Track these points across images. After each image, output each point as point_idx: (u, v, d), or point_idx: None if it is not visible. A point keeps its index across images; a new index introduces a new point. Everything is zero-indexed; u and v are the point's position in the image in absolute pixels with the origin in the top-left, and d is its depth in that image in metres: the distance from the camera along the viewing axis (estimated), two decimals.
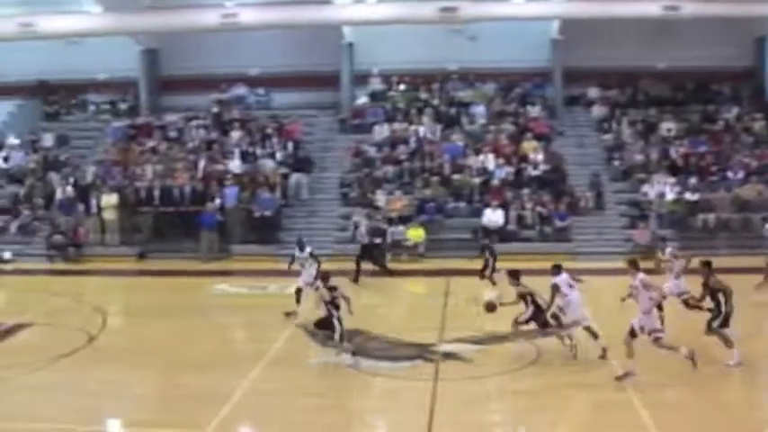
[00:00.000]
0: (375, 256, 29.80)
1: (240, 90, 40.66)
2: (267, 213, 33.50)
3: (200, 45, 40.02)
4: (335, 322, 19.22)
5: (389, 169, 35.85)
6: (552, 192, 34.09)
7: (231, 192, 33.94)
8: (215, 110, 39.45)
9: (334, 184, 36.19)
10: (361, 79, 40.99)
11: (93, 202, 34.50)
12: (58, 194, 35.46)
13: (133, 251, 33.36)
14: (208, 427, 15.65)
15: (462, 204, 34.37)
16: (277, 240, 33.11)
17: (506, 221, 32.96)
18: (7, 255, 33.35)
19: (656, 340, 17.27)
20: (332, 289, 19.67)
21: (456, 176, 35.19)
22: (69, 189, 35.36)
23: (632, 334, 17.24)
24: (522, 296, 19.23)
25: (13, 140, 39.93)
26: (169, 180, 34.76)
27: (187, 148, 37.30)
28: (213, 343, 21.48)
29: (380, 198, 34.19)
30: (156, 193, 34.18)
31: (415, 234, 32.62)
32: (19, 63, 40.87)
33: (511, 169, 35.23)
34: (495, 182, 34.68)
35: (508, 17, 37.24)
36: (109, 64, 40.59)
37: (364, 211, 33.03)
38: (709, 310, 18.35)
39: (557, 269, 19.02)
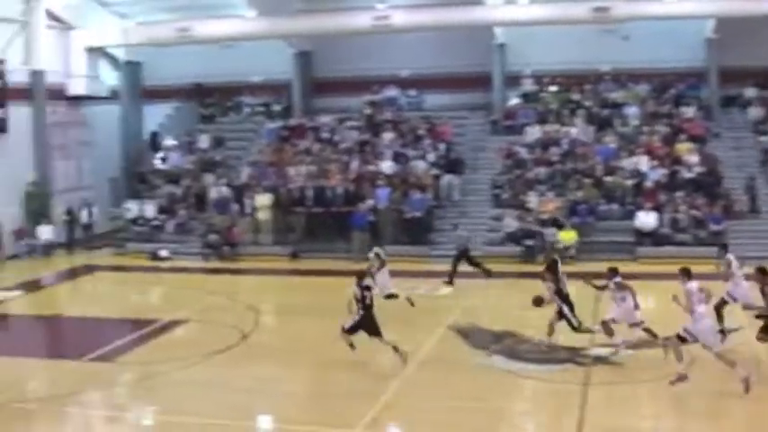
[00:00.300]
0: (471, 257, 29.38)
1: (392, 92, 40.87)
2: (418, 214, 33.54)
3: (351, 47, 40.39)
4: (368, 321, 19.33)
5: (541, 171, 35.43)
6: (707, 195, 33.14)
7: (383, 193, 34.11)
8: (367, 111, 39.74)
9: (486, 186, 35.98)
10: (512, 80, 40.69)
11: (248, 202, 35.16)
12: (214, 194, 36.26)
13: (286, 251, 33.83)
14: (358, 425, 15.75)
15: (615, 207, 33.73)
16: (428, 241, 33.14)
17: (660, 224, 32.24)
18: (164, 253, 34.27)
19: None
20: (366, 288, 19.72)
21: (608, 178, 34.56)
22: (224, 189, 36.12)
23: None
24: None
25: (170, 142, 41.06)
26: (322, 181, 35.15)
27: (340, 149, 37.66)
28: (365, 342, 21.59)
29: (532, 200, 33.86)
30: (309, 193, 34.60)
31: (567, 236, 32.19)
32: (176, 67, 42.05)
33: (665, 171, 34.35)
34: (649, 184, 33.91)
35: (662, 16, 36.37)
36: (263, 67, 41.33)
37: (515, 213, 32.83)
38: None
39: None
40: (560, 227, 32.25)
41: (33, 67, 37.40)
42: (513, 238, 32.57)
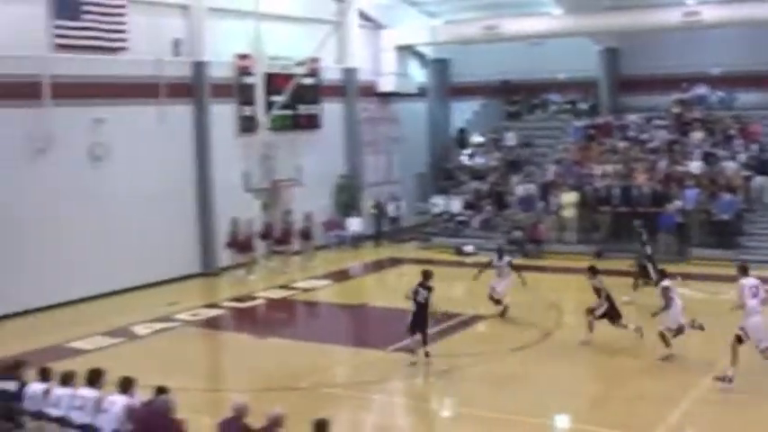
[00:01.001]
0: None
1: (701, 90, 39.46)
2: (726, 217, 32.26)
3: (659, 44, 39.35)
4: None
5: None
6: None
7: (691, 194, 33.05)
8: (675, 110, 38.59)
9: None
10: None
11: (553, 200, 35.01)
12: (519, 192, 36.34)
13: (590, 249, 33.40)
14: (654, 430, 15.39)
15: None
16: (737, 245, 31.79)
17: None
18: (469, 248, 34.64)
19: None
20: (429, 289, 19.88)
21: None
22: (531, 187, 36.12)
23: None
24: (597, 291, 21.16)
25: (477, 139, 41.51)
26: (628, 180, 34.49)
27: (647, 148, 36.82)
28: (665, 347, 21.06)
29: None
30: (615, 192, 34.00)
31: None
32: (483, 64, 42.44)
33: None
34: None
35: None
36: (569, 64, 40.99)
37: None
38: None
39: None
40: None
41: (346, 66, 38.84)
42: None
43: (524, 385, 18.58)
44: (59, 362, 16.32)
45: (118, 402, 13.04)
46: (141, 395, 13.51)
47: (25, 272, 25.91)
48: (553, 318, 24.34)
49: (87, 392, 13.42)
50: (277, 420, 12.11)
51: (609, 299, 21.14)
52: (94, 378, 13.67)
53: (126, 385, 13.37)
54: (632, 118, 38.71)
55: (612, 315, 21.06)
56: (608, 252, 32.93)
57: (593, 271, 21.55)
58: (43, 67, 26.48)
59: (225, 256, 31.61)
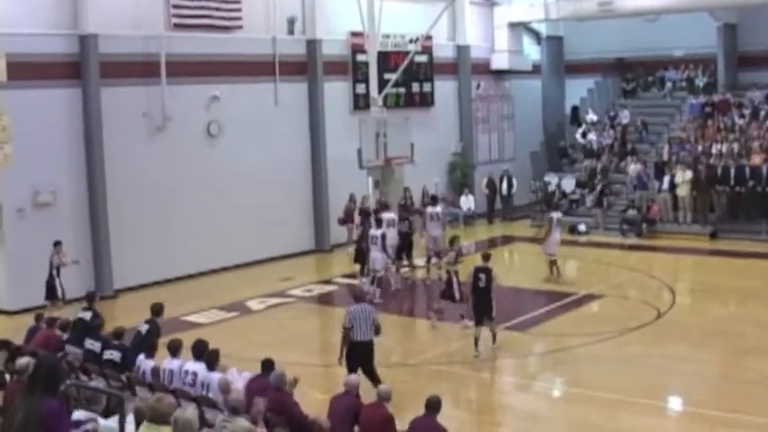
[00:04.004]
0: None
1: None
2: None
3: None
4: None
5: None
6: None
7: None
8: None
9: None
10: None
11: (667, 179, 34.43)
12: (633, 171, 35.83)
13: (705, 230, 32.85)
14: None
15: None
16: None
17: None
18: (582, 227, 34.37)
19: None
20: (488, 271, 19.34)
21: None
22: (645, 166, 35.53)
23: None
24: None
25: (591, 116, 41.04)
26: (745, 159, 33.74)
27: (765, 126, 35.95)
28: None
29: None
30: (732, 171, 33.30)
31: None
32: (598, 41, 41.86)
33: None
34: None
35: None
36: (686, 41, 40.18)
37: None
38: None
39: None
40: None
41: (459, 43, 38.73)
42: None
43: (637, 366, 18.39)
44: (175, 335, 16.66)
45: (213, 381, 13.20)
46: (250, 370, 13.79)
47: (143, 247, 26.58)
48: (667, 298, 24.02)
49: (193, 366, 13.63)
50: (385, 395, 12.24)
51: None
52: (201, 350, 13.86)
53: (212, 360, 13.61)
54: (751, 95, 37.80)
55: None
56: (724, 233, 32.35)
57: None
58: (160, 45, 27.02)
59: (338, 232, 31.92)
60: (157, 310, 16.52)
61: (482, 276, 19.15)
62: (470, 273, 19.54)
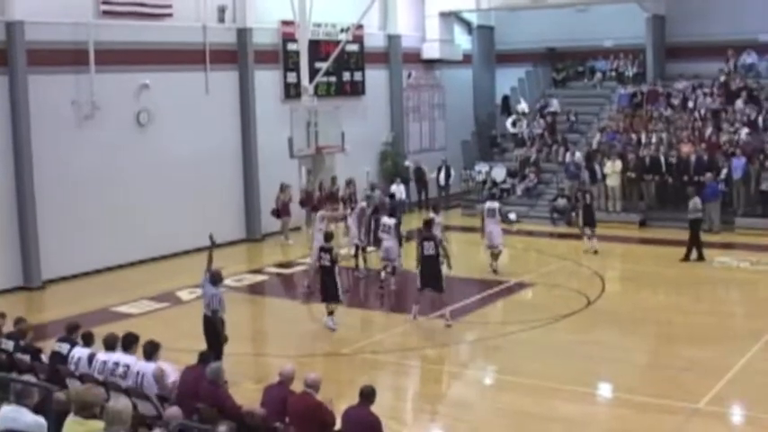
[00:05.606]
0: None
1: (749, 57, 38.88)
2: None
3: (705, 11, 38.67)
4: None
5: None
6: None
7: (738, 163, 32.64)
8: (722, 78, 38.09)
9: None
10: None
11: (597, 168, 34.74)
12: (565, 159, 36.08)
13: (635, 218, 33.24)
14: (701, 400, 15.34)
15: None
16: None
17: None
18: (513, 216, 34.55)
19: None
20: (432, 238, 20.35)
21: None
22: (577, 155, 35.79)
23: None
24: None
25: (522, 106, 41.27)
26: (673, 148, 34.17)
27: (693, 116, 36.42)
28: (710, 316, 20.98)
29: None
30: (661, 160, 33.69)
31: None
32: (529, 31, 42.11)
33: None
34: None
35: None
36: (615, 31, 40.54)
37: None
38: None
39: None
40: None
41: (390, 32, 38.73)
42: None
43: (567, 353, 18.55)
44: (104, 326, 16.47)
45: (148, 371, 13.05)
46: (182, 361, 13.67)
47: (72, 237, 26.19)
48: (597, 286, 24.25)
49: (125, 358, 13.45)
50: (312, 383, 12.14)
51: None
52: (130, 343, 13.69)
53: (151, 351, 13.44)
54: (678, 86, 38.27)
55: None
56: (652, 221, 32.81)
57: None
58: (89, 33, 26.62)
59: (268, 223, 31.80)
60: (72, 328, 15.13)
61: (426, 245, 20.14)
62: (417, 242, 20.28)
